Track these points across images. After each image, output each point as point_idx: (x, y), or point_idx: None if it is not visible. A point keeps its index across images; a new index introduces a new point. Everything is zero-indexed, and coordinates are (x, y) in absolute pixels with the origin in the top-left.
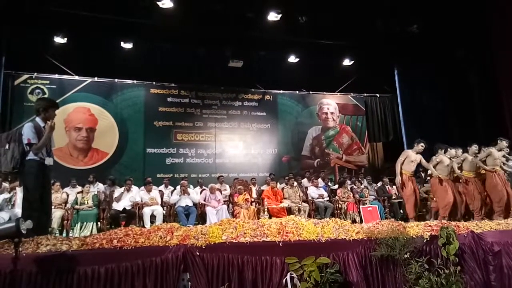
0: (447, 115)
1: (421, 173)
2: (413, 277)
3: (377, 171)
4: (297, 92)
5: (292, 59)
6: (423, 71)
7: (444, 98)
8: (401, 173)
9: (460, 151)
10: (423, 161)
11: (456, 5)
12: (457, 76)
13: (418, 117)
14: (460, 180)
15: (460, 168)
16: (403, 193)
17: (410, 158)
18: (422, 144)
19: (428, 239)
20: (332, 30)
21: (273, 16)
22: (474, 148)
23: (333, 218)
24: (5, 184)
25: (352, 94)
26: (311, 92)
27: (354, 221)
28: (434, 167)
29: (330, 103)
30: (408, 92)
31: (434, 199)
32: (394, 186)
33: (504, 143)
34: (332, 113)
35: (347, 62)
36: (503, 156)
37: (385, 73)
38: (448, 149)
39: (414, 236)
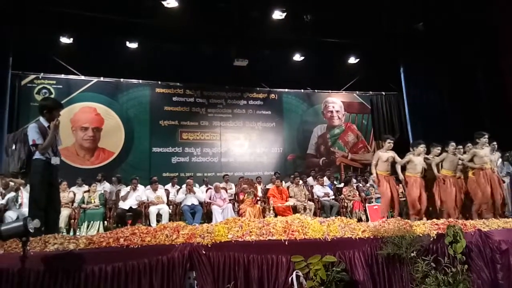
0: (453, 112)
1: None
2: (419, 276)
3: None
4: (302, 90)
5: (297, 57)
6: (429, 68)
7: (450, 96)
8: (377, 173)
9: (438, 149)
10: (397, 158)
11: (462, 3)
12: (463, 73)
13: (424, 115)
14: (438, 179)
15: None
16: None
17: (382, 158)
18: (389, 141)
19: (435, 237)
20: (337, 28)
21: (278, 15)
22: (451, 147)
23: (339, 217)
24: (12, 184)
25: (357, 92)
26: (316, 91)
27: (360, 220)
28: (405, 165)
29: (335, 101)
30: (414, 90)
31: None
32: (400, 185)
33: (483, 140)
34: (337, 111)
35: (352, 60)
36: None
37: (390, 71)
38: (419, 147)
39: (421, 235)
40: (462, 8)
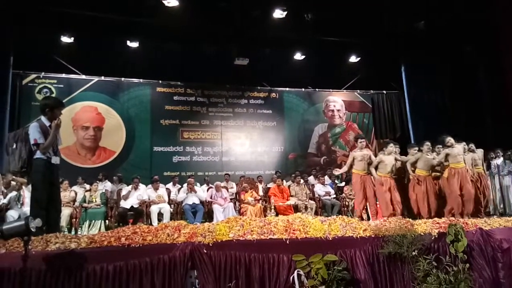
0: (454, 111)
1: None
2: (421, 275)
3: None
4: (303, 89)
5: (298, 56)
6: (430, 67)
7: (452, 95)
8: (353, 173)
9: (415, 149)
10: (372, 158)
11: (463, 2)
12: (464, 72)
13: (425, 114)
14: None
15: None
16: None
17: (357, 158)
18: (360, 140)
19: (436, 236)
20: (338, 27)
21: (278, 14)
22: (426, 146)
23: (340, 216)
24: (13, 183)
25: (358, 91)
26: (317, 90)
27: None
28: (378, 164)
29: (337, 100)
30: (415, 89)
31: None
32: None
33: (450, 141)
34: (338, 110)
35: (353, 59)
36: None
37: (391, 70)
38: (388, 146)
39: (422, 234)
40: (463, 7)
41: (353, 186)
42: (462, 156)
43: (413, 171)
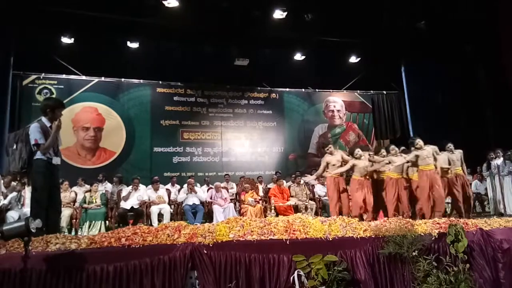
0: (455, 112)
1: None
2: (421, 275)
3: None
4: (303, 90)
5: (298, 57)
6: (430, 67)
7: (452, 95)
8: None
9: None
10: (345, 158)
11: (463, 2)
12: (465, 72)
13: (425, 114)
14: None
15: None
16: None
17: (331, 162)
18: (328, 148)
19: (436, 236)
20: (338, 27)
21: (278, 14)
22: (393, 150)
23: (340, 216)
24: (14, 183)
25: (358, 91)
26: (317, 90)
27: (361, 219)
28: (352, 167)
29: (337, 100)
30: (415, 89)
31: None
32: None
33: (419, 143)
34: (338, 110)
35: (353, 59)
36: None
37: (392, 70)
38: (357, 152)
39: (422, 234)
40: (463, 8)
41: (327, 189)
42: (431, 158)
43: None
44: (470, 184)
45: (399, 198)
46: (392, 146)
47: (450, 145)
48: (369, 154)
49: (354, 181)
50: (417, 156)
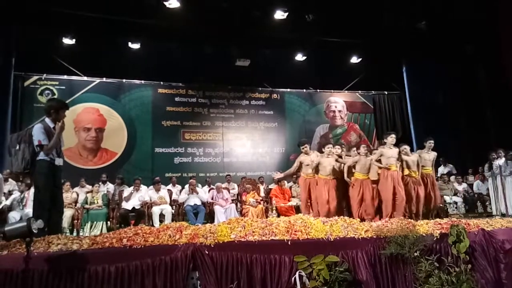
0: (456, 112)
1: None
2: (423, 276)
3: None
4: (305, 90)
5: (299, 57)
6: (432, 68)
7: (453, 95)
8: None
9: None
10: (315, 161)
11: (464, 2)
12: (466, 72)
13: (426, 114)
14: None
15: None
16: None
17: (304, 162)
18: (303, 147)
19: (438, 237)
20: (339, 28)
21: (279, 15)
22: (362, 148)
23: (342, 217)
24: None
25: (360, 91)
26: (318, 90)
27: (363, 220)
28: (317, 167)
29: (338, 101)
30: (417, 89)
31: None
32: None
33: (390, 139)
34: (339, 111)
35: (354, 59)
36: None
37: (393, 70)
38: (325, 148)
39: (424, 234)
40: (464, 8)
41: (300, 189)
42: (394, 159)
43: (353, 174)
44: (471, 184)
45: (363, 198)
46: (363, 145)
47: (431, 143)
48: (341, 154)
49: (320, 180)
50: (381, 155)
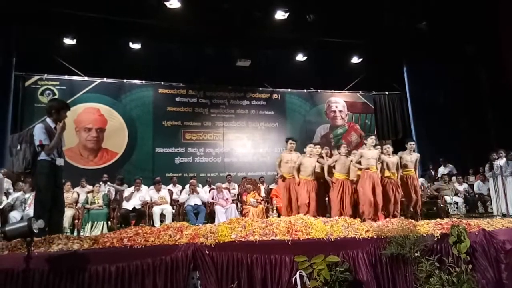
0: (457, 112)
1: (431, 171)
2: (423, 276)
3: None
4: (305, 90)
5: (300, 57)
6: (433, 68)
7: (454, 95)
8: (281, 176)
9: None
10: (297, 161)
11: (465, 2)
12: (467, 73)
13: (427, 114)
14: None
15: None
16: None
17: (284, 160)
18: (290, 142)
19: (439, 237)
20: (340, 28)
21: (280, 15)
22: (343, 148)
23: (342, 217)
24: (21, 183)
25: (360, 92)
26: (319, 91)
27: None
28: (299, 167)
29: (339, 101)
30: (417, 90)
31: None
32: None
33: (370, 140)
34: (340, 111)
35: (355, 59)
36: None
37: (394, 71)
38: (307, 148)
39: (425, 234)
40: (465, 8)
41: (279, 189)
42: (374, 160)
43: (333, 174)
44: (472, 185)
45: (343, 198)
46: (344, 145)
47: (413, 145)
48: (325, 153)
49: (302, 181)
50: (361, 156)
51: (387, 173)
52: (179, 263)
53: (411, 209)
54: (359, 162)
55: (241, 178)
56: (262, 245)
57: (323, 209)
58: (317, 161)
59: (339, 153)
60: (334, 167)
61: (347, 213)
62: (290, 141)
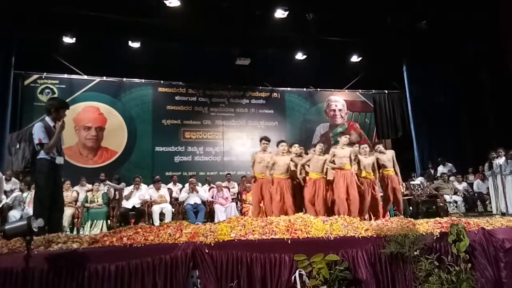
0: (457, 111)
1: (430, 169)
2: (423, 274)
3: None
4: (305, 89)
5: (300, 56)
6: (432, 67)
7: (454, 94)
8: (253, 176)
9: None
10: (269, 160)
11: (466, 1)
12: (467, 72)
13: (427, 113)
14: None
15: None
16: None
17: (257, 159)
18: (264, 142)
19: (438, 236)
20: (340, 27)
21: (280, 13)
22: (319, 147)
23: (342, 215)
24: (16, 180)
25: (360, 90)
26: (318, 89)
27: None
28: (273, 166)
29: (338, 100)
30: (417, 88)
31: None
32: (404, 183)
33: (343, 139)
34: (340, 110)
35: (355, 58)
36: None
37: (393, 69)
38: (279, 146)
39: (424, 233)
40: (465, 6)
41: (251, 190)
42: (347, 159)
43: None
44: (472, 183)
45: (316, 197)
46: (320, 144)
47: (379, 147)
48: (299, 152)
49: (275, 180)
50: (334, 155)
51: (363, 173)
52: (179, 262)
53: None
54: (333, 162)
55: (241, 177)
56: (262, 244)
57: (299, 208)
58: (292, 160)
59: (314, 152)
60: (308, 166)
61: (320, 213)
62: (263, 141)
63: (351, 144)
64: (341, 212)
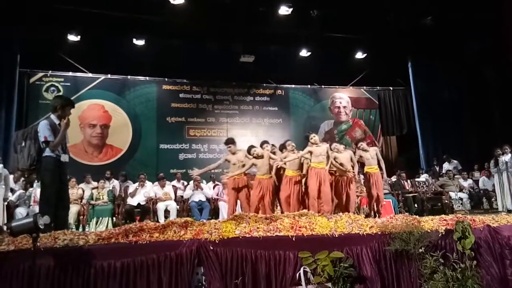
0: (462, 108)
1: (435, 166)
2: (428, 272)
3: (391, 165)
4: (309, 86)
5: (304, 53)
6: (437, 63)
7: (459, 91)
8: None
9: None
10: (249, 162)
11: None
12: (472, 68)
13: (432, 110)
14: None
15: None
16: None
17: (231, 161)
18: (229, 146)
19: (443, 233)
20: (344, 23)
21: (284, 10)
22: (290, 146)
23: (346, 213)
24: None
25: (365, 87)
26: (323, 86)
27: (367, 216)
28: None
29: (343, 97)
30: (422, 85)
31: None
32: (409, 180)
33: (315, 138)
34: (344, 107)
35: (359, 55)
36: None
37: (398, 66)
38: (263, 146)
39: (429, 230)
40: (470, 4)
41: (226, 191)
42: (324, 156)
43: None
44: (477, 180)
45: (291, 195)
46: (289, 142)
47: (362, 144)
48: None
49: (256, 179)
50: (310, 153)
51: (340, 171)
52: (184, 259)
53: (372, 207)
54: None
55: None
56: (266, 241)
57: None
58: (271, 158)
59: (287, 150)
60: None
61: (293, 209)
62: (228, 145)
63: (356, 141)
64: (311, 209)
